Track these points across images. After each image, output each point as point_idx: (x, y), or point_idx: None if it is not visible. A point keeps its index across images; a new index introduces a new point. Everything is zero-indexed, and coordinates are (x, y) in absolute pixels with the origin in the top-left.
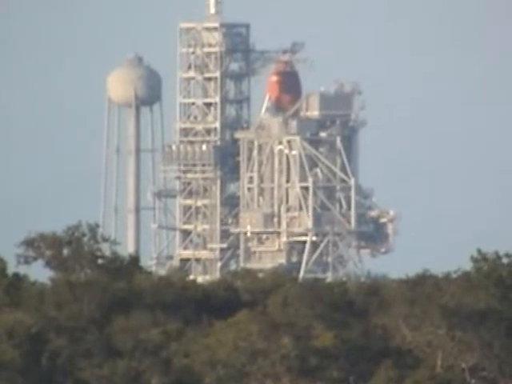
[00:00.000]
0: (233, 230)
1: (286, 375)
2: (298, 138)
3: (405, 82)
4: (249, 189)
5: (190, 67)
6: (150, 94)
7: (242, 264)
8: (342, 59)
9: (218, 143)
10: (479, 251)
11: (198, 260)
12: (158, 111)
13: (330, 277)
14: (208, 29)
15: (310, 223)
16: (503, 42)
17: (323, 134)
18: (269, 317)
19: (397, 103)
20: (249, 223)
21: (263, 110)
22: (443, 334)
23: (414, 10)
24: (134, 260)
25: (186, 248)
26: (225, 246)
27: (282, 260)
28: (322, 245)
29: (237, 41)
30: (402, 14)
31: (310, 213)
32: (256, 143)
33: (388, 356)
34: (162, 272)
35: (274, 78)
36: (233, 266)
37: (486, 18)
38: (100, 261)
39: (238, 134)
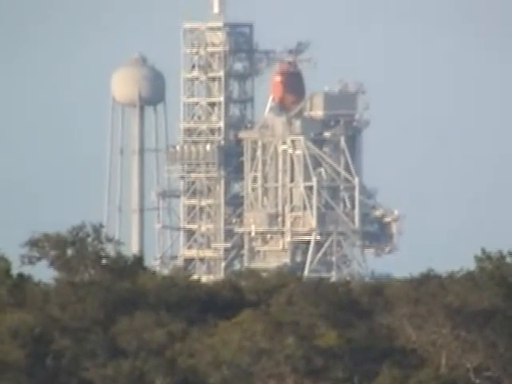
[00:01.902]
0: (237, 229)
1: (290, 375)
2: (301, 138)
3: (409, 82)
4: (253, 188)
5: (193, 67)
6: (154, 94)
7: (246, 264)
8: (346, 59)
9: (222, 143)
10: (483, 250)
11: (202, 260)
12: (162, 111)
13: (334, 276)
14: (212, 29)
15: (314, 223)
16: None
17: (327, 134)
18: (273, 316)
19: (401, 103)
20: (253, 223)
21: (267, 109)
22: (447, 333)
23: (418, 11)
24: (138, 260)
25: (190, 248)
26: (229, 245)
27: (287, 260)
28: (326, 244)
29: (240, 41)
30: (407, 14)
31: (314, 212)
32: (260, 143)
33: (392, 356)
34: (166, 272)
35: (278, 78)
36: (237, 266)
37: (491, 20)
38: (104, 261)
39: (242, 134)
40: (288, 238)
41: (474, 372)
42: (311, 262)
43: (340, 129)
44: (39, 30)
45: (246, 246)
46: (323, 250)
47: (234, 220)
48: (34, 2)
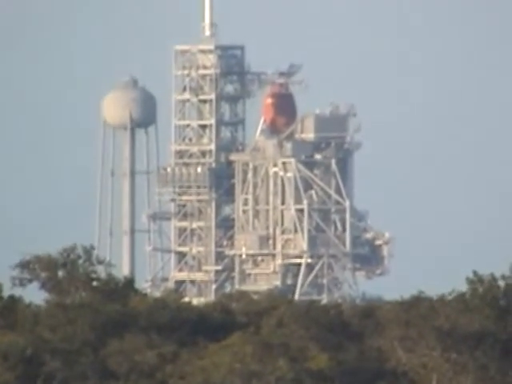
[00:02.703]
0: (228, 252)
1: None
2: (292, 160)
3: (400, 105)
4: (244, 211)
5: (185, 89)
6: (145, 116)
7: (236, 286)
8: (337, 81)
9: (213, 165)
10: (475, 273)
11: (192, 282)
12: (153, 133)
13: (325, 299)
14: (203, 51)
15: (305, 245)
16: (503, 61)
17: (318, 156)
18: (264, 339)
19: (392, 125)
20: (244, 245)
21: (258, 132)
22: (438, 356)
23: (409, 32)
24: (129, 282)
25: (180, 270)
26: (220, 268)
27: (277, 282)
28: (317, 267)
29: (232, 63)
30: (398, 36)
31: (305, 235)
32: (251, 165)
33: (383, 378)
34: (157, 294)
35: (269, 101)
36: (228, 288)
37: (485, 37)
38: (95, 283)
39: (233, 156)
40: (279, 261)
41: None
42: (302, 285)
43: (331, 151)
44: (29, 53)
45: (237, 269)
46: (314, 272)
47: (224, 242)
48: (22, 24)
